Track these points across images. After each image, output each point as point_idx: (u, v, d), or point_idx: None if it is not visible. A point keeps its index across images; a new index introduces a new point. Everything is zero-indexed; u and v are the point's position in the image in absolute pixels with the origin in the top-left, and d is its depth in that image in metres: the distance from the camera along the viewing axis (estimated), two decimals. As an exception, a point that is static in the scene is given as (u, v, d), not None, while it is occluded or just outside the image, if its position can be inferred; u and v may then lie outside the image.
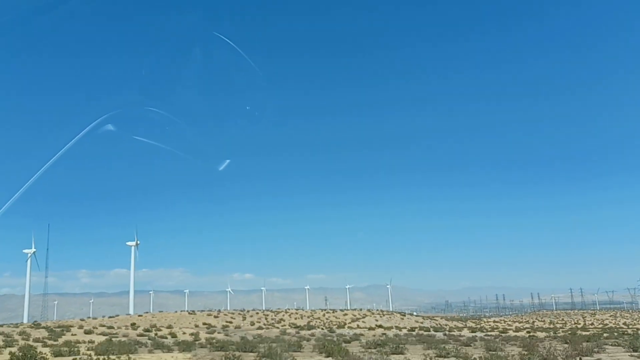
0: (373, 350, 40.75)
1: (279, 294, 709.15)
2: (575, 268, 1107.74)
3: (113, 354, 35.58)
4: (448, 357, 34.89)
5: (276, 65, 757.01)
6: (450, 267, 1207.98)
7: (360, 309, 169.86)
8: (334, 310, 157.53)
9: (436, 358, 34.34)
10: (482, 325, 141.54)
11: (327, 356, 35.74)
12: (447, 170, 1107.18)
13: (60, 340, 53.20)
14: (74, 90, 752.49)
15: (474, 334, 72.86)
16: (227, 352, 36.25)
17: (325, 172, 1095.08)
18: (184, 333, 71.59)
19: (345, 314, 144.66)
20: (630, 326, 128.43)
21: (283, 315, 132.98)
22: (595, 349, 38.43)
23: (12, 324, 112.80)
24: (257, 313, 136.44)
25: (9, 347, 43.16)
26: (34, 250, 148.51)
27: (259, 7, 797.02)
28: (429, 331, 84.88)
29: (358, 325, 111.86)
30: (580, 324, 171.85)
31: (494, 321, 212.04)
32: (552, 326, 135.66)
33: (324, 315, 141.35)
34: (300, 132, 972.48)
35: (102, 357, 33.62)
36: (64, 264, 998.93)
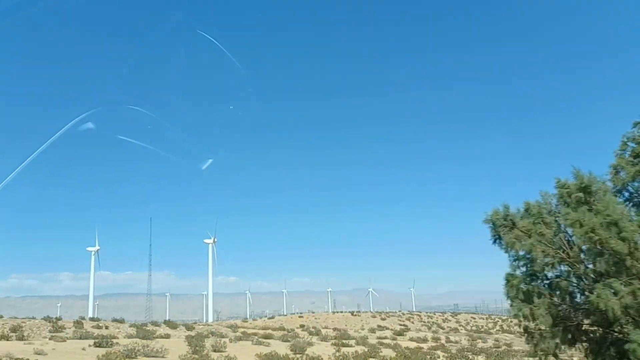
0: None
1: (265, 297, 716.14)
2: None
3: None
4: None
5: (261, 68, 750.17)
6: (431, 270, 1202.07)
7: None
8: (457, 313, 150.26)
9: None
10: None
11: None
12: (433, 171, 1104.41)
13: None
14: (55, 89, 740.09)
15: None
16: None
17: (310, 175, 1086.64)
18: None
19: (482, 318, 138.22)
20: None
21: (422, 319, 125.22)
22: None
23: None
24: (402, 315, 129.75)
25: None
26: (97, 247, 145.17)
27: (245, 10, 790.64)
28: None
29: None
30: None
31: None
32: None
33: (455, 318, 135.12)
34: (285, 133, 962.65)
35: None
36: (44, 266, 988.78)
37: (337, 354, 39.76)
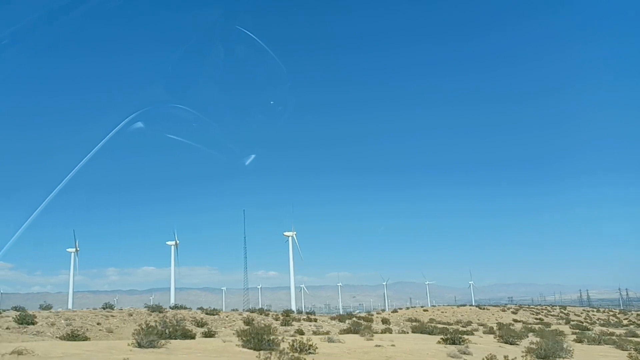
0: None
1: (307, 291, 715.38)
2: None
3: None
4: None
5: (296, 61, 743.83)
6: (470, 264, 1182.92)
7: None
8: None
9: None
10: None
11: None
12: (471, 168, 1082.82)
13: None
14: (99, 88, 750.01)
15: None
16: None
17: (349, 168, 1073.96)
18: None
19: (597, 311, 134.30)
20: None
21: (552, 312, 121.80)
22: None
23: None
24: (546, 309, 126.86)
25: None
26: (177, 241, 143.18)
27: (280, 4, 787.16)
28: None
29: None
30: None
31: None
32: None
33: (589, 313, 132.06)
34: (324, 127, 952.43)
35: None
36: (91, 262, 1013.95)
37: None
